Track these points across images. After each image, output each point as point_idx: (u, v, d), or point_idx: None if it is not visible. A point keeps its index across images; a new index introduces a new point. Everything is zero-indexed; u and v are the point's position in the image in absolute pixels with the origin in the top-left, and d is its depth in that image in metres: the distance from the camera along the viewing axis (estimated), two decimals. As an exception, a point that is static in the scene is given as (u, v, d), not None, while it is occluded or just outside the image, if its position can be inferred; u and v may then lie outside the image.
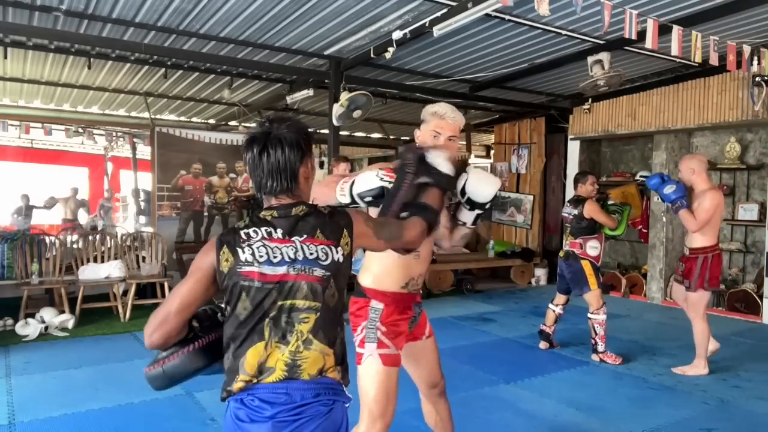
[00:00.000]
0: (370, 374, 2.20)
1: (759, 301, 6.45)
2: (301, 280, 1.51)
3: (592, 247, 4.85)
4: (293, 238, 1.53)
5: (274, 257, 1.50)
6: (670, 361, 4.82)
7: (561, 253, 5.12)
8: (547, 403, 3.87)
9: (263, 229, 1.54)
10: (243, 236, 1.53)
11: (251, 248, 1.51)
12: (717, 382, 4.34)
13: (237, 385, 1.53)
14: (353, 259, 1.66)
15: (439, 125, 2.22)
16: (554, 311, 5.17)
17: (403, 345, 2.33)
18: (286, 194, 1.59)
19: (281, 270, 1.50)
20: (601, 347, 4.78)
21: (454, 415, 2.69)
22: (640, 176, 8.13)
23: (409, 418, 3.12)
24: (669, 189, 4.30)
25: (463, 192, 2.23)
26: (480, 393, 3.99)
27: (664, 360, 4.88)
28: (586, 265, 4.81)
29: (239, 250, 1.51)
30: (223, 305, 1.58)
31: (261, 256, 1.50)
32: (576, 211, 4.91)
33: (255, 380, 1.51)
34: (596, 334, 4.77)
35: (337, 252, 1.55)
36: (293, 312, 1.51)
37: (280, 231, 1.53)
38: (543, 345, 5.21)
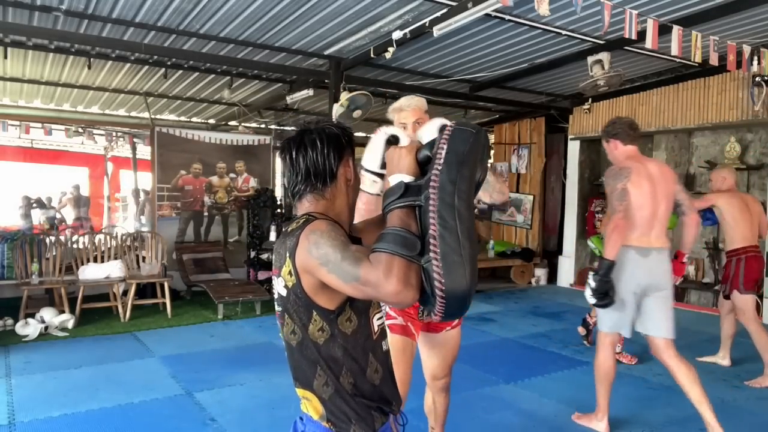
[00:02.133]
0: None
1: (759, 301, 6.45)
2: (278, 317, 1.43)
3: None
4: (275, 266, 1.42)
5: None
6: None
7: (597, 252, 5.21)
8: (547, 403, 3.87)
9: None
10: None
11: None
12: (717, 382, 4.34)
13: None
14: None
15: (401, 117, 2.38)
16: None
17: (417, 325, 2.39)
18: (309, 198, 1.40)
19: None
20: (617, 347, 4.79)
21: (454, 415, 2.70)
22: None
23: (410, 417, 3.11)
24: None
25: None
26: (480, 393, 3.99)
27: (664, 360, 4.88)
28: None
29: None
30: None
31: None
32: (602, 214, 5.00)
33: None
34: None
35: (279, 283, 1.34)
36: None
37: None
38: (581, 330, 5.32)
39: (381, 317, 1.43)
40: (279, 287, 1.34)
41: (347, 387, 1.34)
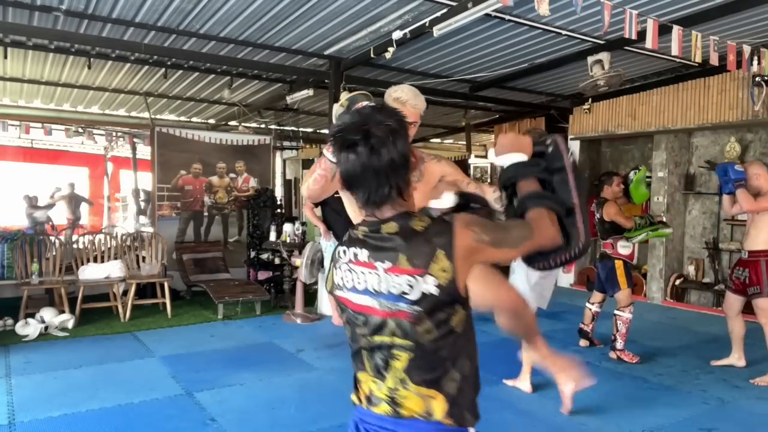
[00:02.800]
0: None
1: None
2: (386, 316, 1.30)
3: (623, 246, 4.92)
4: (376, 264, 1.30)
5: (358, 283, 1.33)
6: (670, 361, 4.82)
7: (598, 255, 5.22)
8: (547, 403, 3.87)
9: (352, 249, 1.35)
10: (340, 253, 1.38)
11: (340, 271, 1.37)
12: (717, 382, 4.34)
13: (353, 397, 1.43)
14: None
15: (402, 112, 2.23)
16: (590, 309, 5.25)
17: None
18: (393, 201, 1.32)
19: (366, 301, 1.32)
20: (619, 344, 4.81)
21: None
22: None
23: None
24: (739, 167, 4.40)
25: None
26: (480, 393, 3.98)
27: (664, 360, 4.88)
28: (619, 265, 4.87)
29: (335, 271, 1.39)
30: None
31: (347, 282, 1.35)
32: (598, 214, 5.02)
33: (365, 405, 1.37)
34: (618, 330, 4.80)
35: (426, 282, 1.25)
36: (383, 348, 1.33)
37: (365, 254, 1.32)
38: (583, 343, 5.30)
39: None
40: (425, 286, 1.26)
41: (469, 376, 1.36)
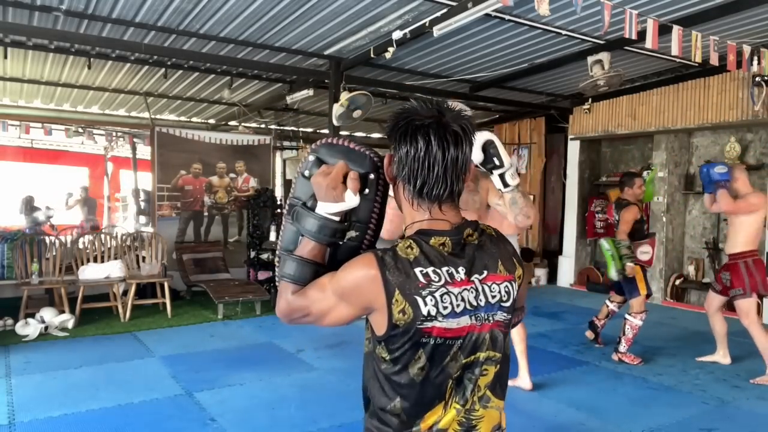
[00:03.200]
0: None
1: (759, 301, 6.45)
2: (485, 330, 1.22)
3: (643, 252, 4.84)
4: (474, 276, 1.20)
5: (458, 306, 1.17)
6: (670, 361, 4.82)
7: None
8: (547, 403, 3.87)
9: (444, 270, 1.17)
10: (422, 279, 1.15)
11: (434, 297, 1.15)
12: (717, 382, 4.34)
13: None
14: None
15: None
16: (608, 306, 5.26)
17: None
18: (451, 203, 1.23)
19: (464, 321, 1.18)
20: (623, 348, 4.82)
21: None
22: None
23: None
24: (720, 169, 4.45)
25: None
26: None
27: (664, 360, 4.89)
28: (637, 270, 4.79)
29: (419, 301, 1.14)
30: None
31: (446, 308, 1.16)
32: (617, 216, 4.87)
33: None
34: (624, 334, 4.80)
35: (514, 288, 1.25)
36: (474, 368, 1.22)
37: (462, 271, 1.18)
38: (589, 334, 5.35)
39: None
40: (515, 291, 1.25)
41: None
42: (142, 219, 10.38)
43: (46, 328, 5.48)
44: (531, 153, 9.26)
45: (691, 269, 7.64)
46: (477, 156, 1.99)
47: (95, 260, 6.38)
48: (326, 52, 6.10)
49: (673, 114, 7.15)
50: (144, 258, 6.76)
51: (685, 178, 7.66)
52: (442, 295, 1.15)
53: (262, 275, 7.33)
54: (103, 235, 6.85)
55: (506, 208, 2.24)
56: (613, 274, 4.78)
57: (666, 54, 5.53)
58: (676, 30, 4.55)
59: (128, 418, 3.54)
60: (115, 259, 6.44)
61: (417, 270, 1.15)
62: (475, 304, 1.19)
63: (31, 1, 4.69)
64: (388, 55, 5.34)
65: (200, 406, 3.75)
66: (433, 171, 1.16)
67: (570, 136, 8.70)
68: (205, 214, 8.07)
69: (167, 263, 6.97)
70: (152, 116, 8.78)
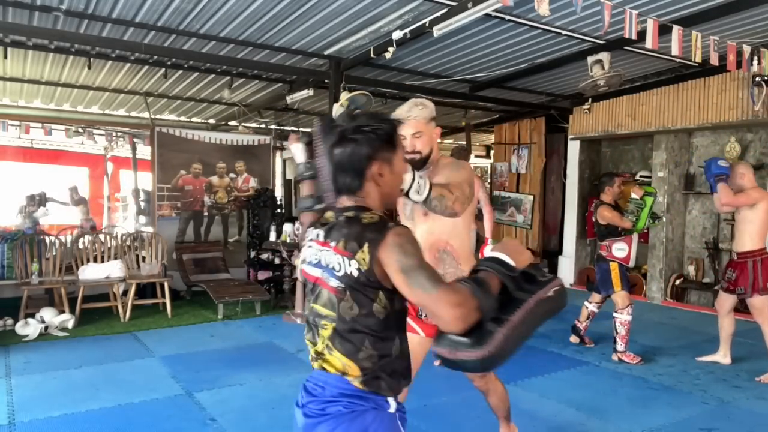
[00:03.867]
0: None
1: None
2: (323, 287, 1.54)
3: (619, 249, 4.92)
4: (329, 242, 1.54)
5: (314, 258, 1.58)
6: (670, 361, 4.82)
7: (595, 256, 5.27)
8: (547, 403, 3.87)
9: (316, 231, 1.61)
10: (308, 234, 1.65)
11: (306, 248, 1.63)
12: (717, 382, 4.34)
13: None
14: None
15: (400, 128, 2.32)
16: (587, 308, 5.28)
17: (422, 323, 2.43)
18: (351, 195, 1.56)
19: (315, 272, 1.57)
20: (620, 347, 4.82)
21: (454, 414, 2.69)
22: (640, 176, 8.14)
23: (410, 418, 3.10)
24: (722, 162, 4.45)
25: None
26: (480, 393, 3.98)
27: (664, 360, 4.89)
28: (614, 267, 4.89)
29: (304, 248, 1.65)
30: None
31: (308, 257, 1.61)
32: (594, 217, 5.06)
33: (311, 361, 1.61)
34: (617, 333, 4.81)
35: (350, 265, 1.47)
36: (318, 317, 1.56)
37: (323, 234, 1.58)
38: (573, 339, 5.35)
39: None
40: (347, 267, 1.47)
41: (388, 355, 1.52)
42: (142, 219, 10.38)
43: (46, 328, 5.48)
44: (531, 153, 9.26)
45: (691, 269, 7.65)
46: None
47: (95, 260, 6.38)
48: (326, 52, 6.10)
49: (673, 114, 7.15)
50: (144, 258, 6.76)
51: (685, 178, 7.66)
52: (309, 248, 1.61)
53: (262, 275, 7.33)
54: (103, 235, 6.85)
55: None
56: (652, 198, 4.94)
57: (666, 54, 5.53)
58: (676, 30, 4.55)
59: (128, 418, 3.54)
60: (115, 259, 6.44)
61: (310, 228, 1.65)
62: (323, 264, 1.54)
63: (31, 1, 4.69)
64: (388, 55, 5.34)
65: (200, 406, 3.75)
66: (335, 171, 1.56)
67: (570, 136, 8.70)
68: (205, 214, 8.07)
69: (167, 263, 6.97)
70: (152, 116, 8.78)
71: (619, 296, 4.84)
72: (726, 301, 4.69)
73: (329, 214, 1.62)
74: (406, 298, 1.47)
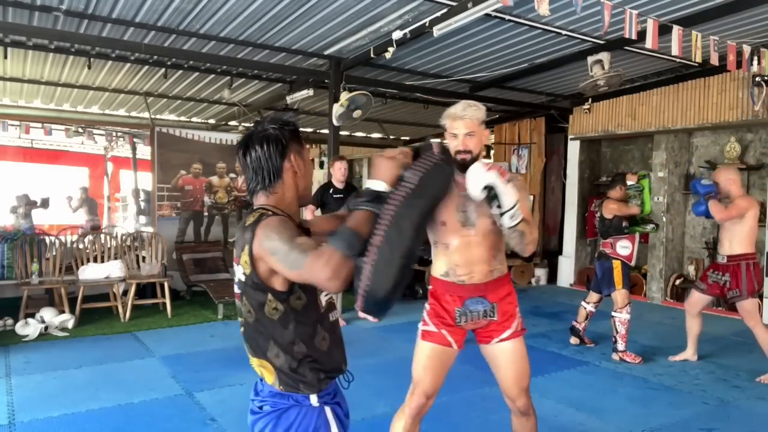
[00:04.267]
0: (416, 345, 2.46)
1: (759, 301, 6.45)
2: (238, 299, 1.61)
3: (623, 247, 4.91)
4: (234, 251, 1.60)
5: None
6: (669, 362, 4.82)
7: (596, 254, 5.24)
8: (547, 403, 3.86)
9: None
10: None
11: None
12: (717, 382, 4.34)
13: None
14: None
15: (453, 126, 2.32)
16: (585, 308, 5.27)
17: (458, 333, 2.42)
18: (261, 193, 1.59)
19: (236, 289, 1.62)
20: (621, 346, 4.82)
21: (454, 415, 2.68)
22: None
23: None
24: (705, 182, 4.50)
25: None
26: (480, 393, 3.98)
27: (664, 360, 4.88)
28: (617, 265, 4.88)
29: None
30: None
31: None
32: (599, 213, 5.04)
33: None
34: (617, 332, 4.81)
35: (238, 270, 1.54)
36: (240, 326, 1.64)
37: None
38: (573, 340, 5.32)
39: (328, 295, 1.61)
40: (239, 273, 1.53)
41: (297, 355, 1.53)
42: (142, 219, 10.38)
43: (46, 328, 5.48)
44: (531, 153, 9.26)
45: (691, 269, 7.64)
46: (477, 193, 2.14)
47: (95, 260, 6.38)
48: (326, 52, 6.10)
49: (673, 114, 7.15)
50: (144, 258, 6.76)
51: (685, 178, 7.66)
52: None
53: (262, 275, 7.32)
54: (103, 235, 6.85)
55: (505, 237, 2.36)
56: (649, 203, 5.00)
57: (666, 54, 5.53)
58: (676, 30, 4.55)
59: (128, 418, 3.54)
60: (115, 259, 6.44)
61: None
62: (236, 279, 1.57)
63: (31, 1, 4.69)
64: (388, 55, 5.34)
65: (200, 406, 3.75)
66: (245, 171, 1.60)
67: (570, 136, 8.70)
68: (205, 214, 8.07)
69: (167, 263, 6.97)
70: (152, 116, 8.78)
71: (620, 294, 4.84)
72: (700, 302, 4.72)
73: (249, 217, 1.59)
74: (308, 294, 1.52)
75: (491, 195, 2.11)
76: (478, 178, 2.12)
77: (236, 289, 1.58)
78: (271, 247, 1.42)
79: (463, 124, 2.29)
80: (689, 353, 4.85)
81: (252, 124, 1.64)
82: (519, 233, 2.21)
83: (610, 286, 4.90)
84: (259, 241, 1.44)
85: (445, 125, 2.36)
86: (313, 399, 1.56)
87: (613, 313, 4.84)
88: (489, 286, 2.40)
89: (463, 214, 2.34)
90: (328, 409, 1.59)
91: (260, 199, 1.59)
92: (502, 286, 2.46)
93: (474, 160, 2.30)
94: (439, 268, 2.45)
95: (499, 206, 2.12)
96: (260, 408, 1.59)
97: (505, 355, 2.43)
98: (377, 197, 1.55)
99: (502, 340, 2.42)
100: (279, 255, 1.41)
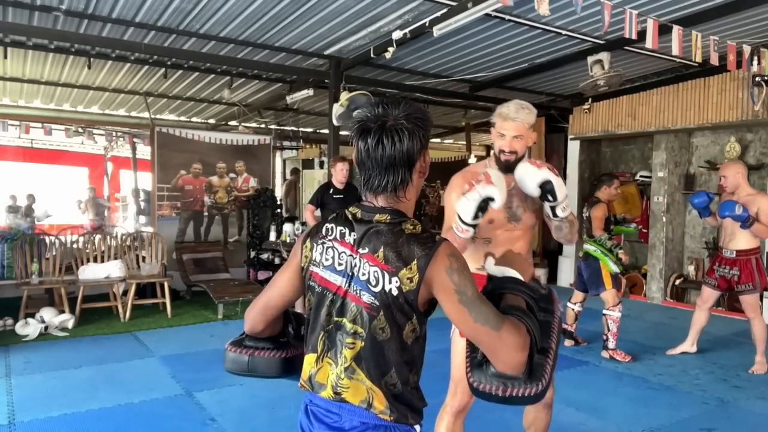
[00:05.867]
0: (453, 344, 2.46)
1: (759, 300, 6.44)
2: (351, 299, 1.34)
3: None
4: (359, 249, 1.34)
5: (339, 264, 1.35)
6: (670, 361, 4.82)
7: (581, 253, 5.20)
8: (547, 403, 3.86)
9: (339, 228, 1.37)
10: (323, 231, 1.39)
11: (323, 246, 1.38)
12: (717, 382, 4.34)
13: (300, 382, 1.45)
14: None
15: (503, 126, 2.33)
16: (573, 309, 5.26)
17: None
18: (390, 195, 1.36)
19: (339, 280, 1.35)
20: (611, 344, 4.82)
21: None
22: (640, 176, 8.14)
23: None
24: (738, 210, 4.37)
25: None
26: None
27: (664, 360, 4.88)
28: (603, 265, 4.86)
29: (315, 246, 1.40)
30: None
31: (327, 259, 1.37)
32: (586, 213, 5.03)
33: (310, 389, 1.41)
34: (608, 330, 4.82)
35: (390, 282, 1.29)
36: (341, 332, 1.35)
37: (354, 236, 1.35)
38: (568, 342, 5.31)
39: None
40: (388, 284, 1.30)
41: (413, 383, 1.37)
42: (142, 219, 10.39)
43: (46, 328, 5.48)
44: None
45: (691, 269, 7.64)
46: (532, 190, 2.19)
47: (95, 260, 6.38)
48: (326, 52, 6.10)
49: (673, 114, 7.15)
50: (144, 258, 6.76)
51: (685, 178, 7.66)
52: (328, 248, 1.37)
53: (262, 275, 7.33)
54: (100, 236, 6.85)
55: (552, 229, 2.40)
56: (613, 267, 4.82)
57: (666, 54, 5.54)
58: (676, 30, 4.55)
59: (128, 418, 3.54)
60: (115, 259, 6.44)
61: (325, 225, 1.40)
62: (350, 272, 1.33)
63: (31, 1, 4.69)
64: (388, 55, 5.34)
65: (200, 406, 3.75)
66: (373, 167, 1.33)
67: (570, 136, 8.70)
68: (205, 214, 8.07)
69: (167, 263, 6.96)
70: (152, 116, 8.79)
71: (609, 294, 4.84)
72: (712, 297, 4.79)
73: (354, 210, 1.38)
74: (459, 329, 1.34)
75: (546, 189, 2.17)
76: (534, 175, 2.17)
77: (369, 299, 1.31)
78: (463, 291, 1.27)
79: (513, 126, 2.30)
80: (688, 345, 4.90)
81: (374, 107, 1.35)
82: (569, 223, 2.30)
83: (598, 286, 4.89)
84: (445, 269, 1.28)
85: (494, 123, 2.37)
86: (418, 429, 1.39)
87: (605, 311, 4.84)
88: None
89: (510, 210, 2.39)
90: None
91: (389, 201, 1.36)
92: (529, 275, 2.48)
93: (518, 161, 2.33)
94: (473, 261, 2.39)
95: (553, 199, 2.19)
96: None
97: None
98: (529, 289, 1.42)
99: None
100: (472, 306, 1.27)
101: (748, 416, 3.74)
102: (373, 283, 1.31)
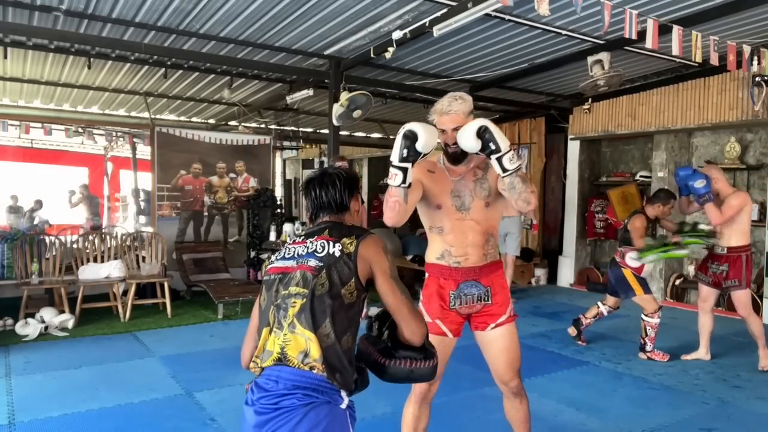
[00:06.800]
0: None
1: (759, 301, 6.45)
2: (297, 270, 1.66)
3: (632, 259, 4.83)
4: (308, 241, 1.73)
5: (289, 253, 1.72)
6: (671, 361, 4.82)
7: (610, 259, 5.24)
8: (547, 403, 3.87)
9: (295, 238, 1.79)
10: (286, 244, 1.83)
11: (280, 250, 1.78)
12: (717, 382, 4.34)
13: (254, 369, 1.68)
14: None
15: (441, 121, 2.39)
16: (599, 307, 5.26)
17: (452, 323, 2.47)
18: (329, 214, 1.81)
19: (288, 263, 1.70)
20: (649, 347, 4.86)
21: (454, 415, 2.69)
22: (640, 176, 8.14)
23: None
24: (699, 183, 4.44)
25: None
26: (480, 393, 3.98)
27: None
28: (628, 274, 4.85)
29: (277, 254, 1.80)
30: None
31: (280, 254, 1.76)
32: (625, 221, 5.03)
33: (262, 363, 1.65)
34: (646, 335, 4.85)
35: (334, 246, 1.66)
36: (288, 298, 1.63)
37: (302, 237, 1.76)
38: (571, 330, 5.34)
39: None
40: (332, 248, 1.66)
41: (345, 345, 1.61)
42: (142, 219, 10.39)
43: (46, 328, 5.48)
44: (531, 153, 9.26)
45: (691, 269, 7.64)
46: (473, 143, 2.20)
47: (95, 260, 6.38)
48: (326, 52, 6.10)
49: (673, 114, 7.15)
50: (144, 258, 6.76)
51: (685, 178, 7.65)
52: (285, 248, 1.76)
53: (262, 275, 7.33)
54: (99, 236, 6.85)
55: (506, 193, 2.33)
56: (683, 252, 4.78)
57: (666, 54, 5.53)
58: (676, 30, 4.55)
59: (128, 418, 3.54)
60: (115, 259, 6.44)
61: (288, 242, 1.81)
62: (299, 253, 1.70)
63: (31, 1, 4.68)
64: (388, 55, 5.34)
65: (200, 406, 3.75)
66: (313, 206, 1.81)
67: (570, 136, 8.70)
68: (205, 214, 8.07)
69: (167, 263, 6.97)
70: (152, 116, 8.78)
71: (644, 300, 4.82)
72: (711, 295, 4.79)
73: (310, 227, 1.82)
74: (386, 301, 1.67)
75: (485, 139, 2.18)
76: (470, 127, 2.23)
77: (314, 263, 1.65)
78: (391, 270, 1.68)
79: (449, 119, 2.36)
80: (702, 352, 4.86)
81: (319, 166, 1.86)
82: (521, 178, 2.25)
83: (627, 291, 4.88)
84: (375, 250, 1.68)
85: (434, 121, 2.42)
86: (345, 399, 1.60)
87: (643, 317, 4.86)
88: (483, 270, 2.46)
89: (458, 198, 2.43)
90: (348, 416, 1.62)
91: (329, 218, 1.83)
92: (494, 271, 2.51)
93: (465, 153, 2.37)
94: (434, 251, 2.50)
95: (495, 147, 2.18)
96: (275, 405, 1.55)
97: (501, 339, 2.51)
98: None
99: (497, 326, 2.50)
100: (395, 282, 1.67)
101: (748, 416, 3.74)
102: (320, 251, 1.67)
